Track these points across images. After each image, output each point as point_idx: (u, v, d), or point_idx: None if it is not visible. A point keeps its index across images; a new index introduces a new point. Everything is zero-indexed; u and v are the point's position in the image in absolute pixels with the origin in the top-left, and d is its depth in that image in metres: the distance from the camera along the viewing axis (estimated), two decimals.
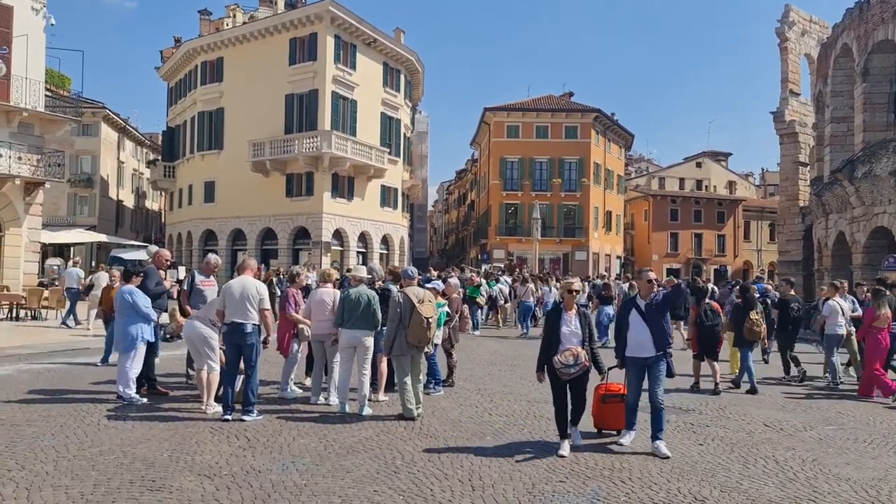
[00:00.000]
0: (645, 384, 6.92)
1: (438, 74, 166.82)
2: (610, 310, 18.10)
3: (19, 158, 23.45)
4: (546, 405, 9.05)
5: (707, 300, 11.35)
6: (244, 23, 40.92)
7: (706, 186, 70.86)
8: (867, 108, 24.86)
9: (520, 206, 51.98)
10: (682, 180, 70.75)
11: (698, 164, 72.68)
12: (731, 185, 73.34)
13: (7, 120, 23.16)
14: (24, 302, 19.44)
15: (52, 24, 24.56)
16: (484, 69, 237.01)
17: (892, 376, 11.09)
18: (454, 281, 11.97)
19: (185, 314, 8.91)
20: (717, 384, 10.61)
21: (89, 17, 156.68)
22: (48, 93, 26.18)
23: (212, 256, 9.24)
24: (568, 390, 6.81)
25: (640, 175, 75.63)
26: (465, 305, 13.18)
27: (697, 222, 63.66)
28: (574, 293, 6.98)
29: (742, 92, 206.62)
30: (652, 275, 7.19)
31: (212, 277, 9.08)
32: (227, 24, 42.69)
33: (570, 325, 6.77)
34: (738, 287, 13.34)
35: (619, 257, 59.27)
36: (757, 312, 11.18)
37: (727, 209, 64.54)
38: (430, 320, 8.03)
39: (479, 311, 20.57)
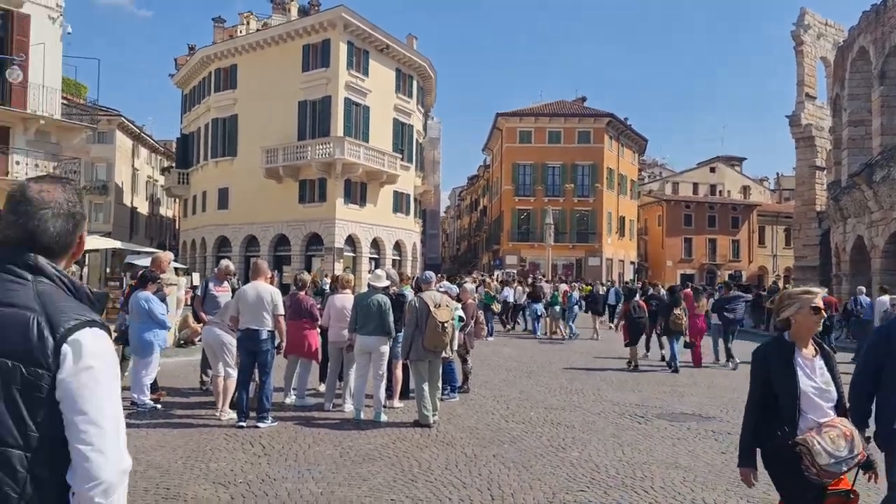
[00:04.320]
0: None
1: (451, 80, 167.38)
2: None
3: (36, 166, 23.62)
4: (564, 412, 8.94)
5: (635, 299, 14.42)
6: (258, 30, 41.12)
7: (720, 191, 70.38)
8: (885, 111, 24.59)
9: (532, 211, 51.81)
10: (695, 185, 70.32)
11: (712, 169, 72.22)
12: (745, 189, 72.81)
13: (24, 128, 23.33)
14: None
15: (69, 33, 24.80)
16: (496, 75, 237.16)
17: None
18: (469, 286, 11.86)
19: (198, 320, 8.85)
20: (635, 364, 13.65)
21: (105, 26, 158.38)
22: (64, 101, 26.40)
23: (224, 262, 9.19)
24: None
25: (653, 180, 75.26)
26: (481, 311, 13.08)
27: (712, 227, 63.22)
28: (820, 314, 3.45)
29: (757, 96, 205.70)
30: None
31: (225, 283, 9.03)
32: (241, 32, 42.91)
33: (815, 377, 3.42)
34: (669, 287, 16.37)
35: (632, 263, 58.95)
36: (680, 309, 13.66)
37: (742, 214, 64.07)
38: (447, 325, 7.93)
39: (494, 317, 20.47)
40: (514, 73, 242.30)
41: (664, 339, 14.34)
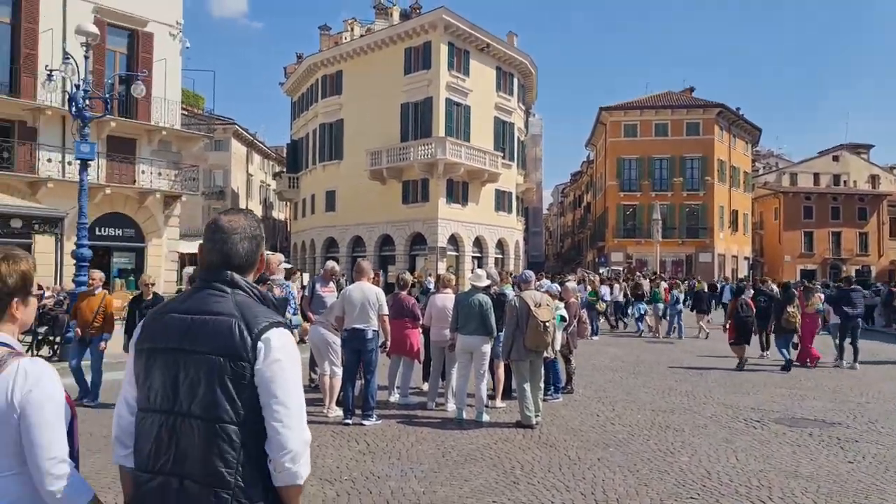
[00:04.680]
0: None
1: (552, 76, 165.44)
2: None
3: (159, 174, 25.24)
4: (673, 414, 8.61)
5: (742, 296, 13.89)
6: (361, 36, 42.15)
7: (845, 181, 65.88)
8: None
9: (639, 206, 50.43)
10: (816, 175, 66.16)
11: (835, 158, 67.71)
12: (873, 178, 67.83)
13: (148, 139, 24.97)
14: None
15: (187, 48, 26.30)
16: (599, 69, 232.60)
17: None
18: (572, 285, 11.63)
19: (306, 319, 9.13)
20: (743, 363, 13.12)
21: (221, 39, 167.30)
22: (184, 112, 28.03)
23: (330, 263, 9.43)
24: None
25: (768, 171, 71.47)
26: (584, 310, 12.84)
27: (835, 220, 59.30)
28: None
29: (885, 77, 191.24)
30: None
31: (331, 284, 9.26)
32: (346, 38, 44.15)
33: None
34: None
35: (746, 258, 56.22)
36: (794, 306, 13.18)
37: (869, 205, 59.73)
38: (548, 324, 7.81)
39: (599, 316, 20.05)
40: (617, 66, 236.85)
41: (773, 337, 13.85)
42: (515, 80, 42.11)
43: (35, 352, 12.39)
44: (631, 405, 9.32)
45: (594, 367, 12.91)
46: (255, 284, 2.09)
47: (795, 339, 13.57)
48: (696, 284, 27.90)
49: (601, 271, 34.87)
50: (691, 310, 20.72)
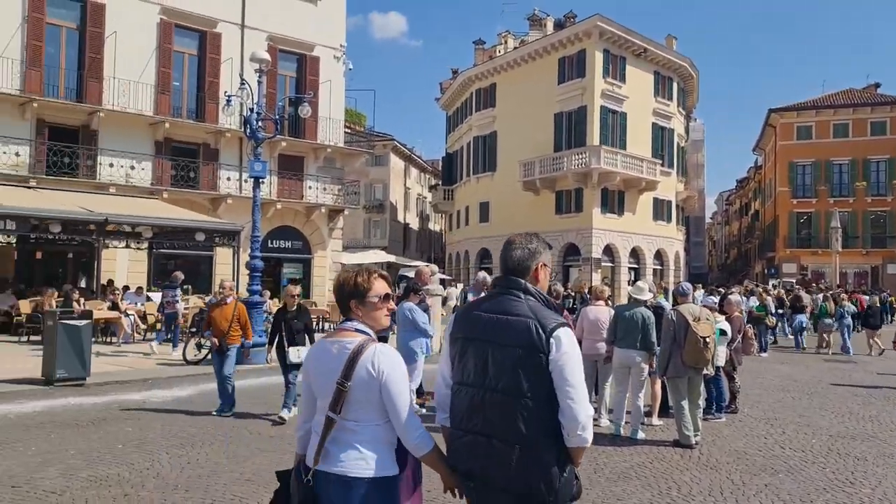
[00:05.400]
0: None
1: (716, 79, 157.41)
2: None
3: (324, 189, 26.82)
4: (854, 441, 7.83)
5: None
6: (515, 48, 42.44)
7: None
8: None
9: (814, 214, 46.68)
10: None
11: None
12: None
13: (315, 156, 26.63)
14: (327, 315, 21.97)
15: (350, 69, 27.82)
16: (765, 69, 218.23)
17: None
18: (735, 297, 10.94)
19: None
20: None
21: (381, 58, 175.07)
22: (346, 129, 29.62)
23: (481, 275, 9.54)
24: None
25: None
26: (750, 326, 12.03)
27: None
28: None
29: None
30: None
31: (483, 294, 9.34)
32: (500, 51, 44.63)
33: None
34: None
35: None
36: None
37: None
38: (708, 340, 7.38)
39: (769, 331, 18.71)
40: (787, 65, 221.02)
41: None
42: (675, 85, 40.52)
43: None
44: (804, 428, 8.57)
45: (762, 386, 12.03)
46: (542, 292, 2.68)
47: None
48: (889, 298, 25.34)
49: (771, 283, 32.56)
50: (862, 325, 18.88)
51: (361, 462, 2.52)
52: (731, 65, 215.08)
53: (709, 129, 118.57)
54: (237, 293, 17.07)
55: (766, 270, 50.76)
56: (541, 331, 2.48)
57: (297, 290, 9.03)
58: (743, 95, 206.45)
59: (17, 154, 20.33)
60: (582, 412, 2.45)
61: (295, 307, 8.60)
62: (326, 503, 2.54)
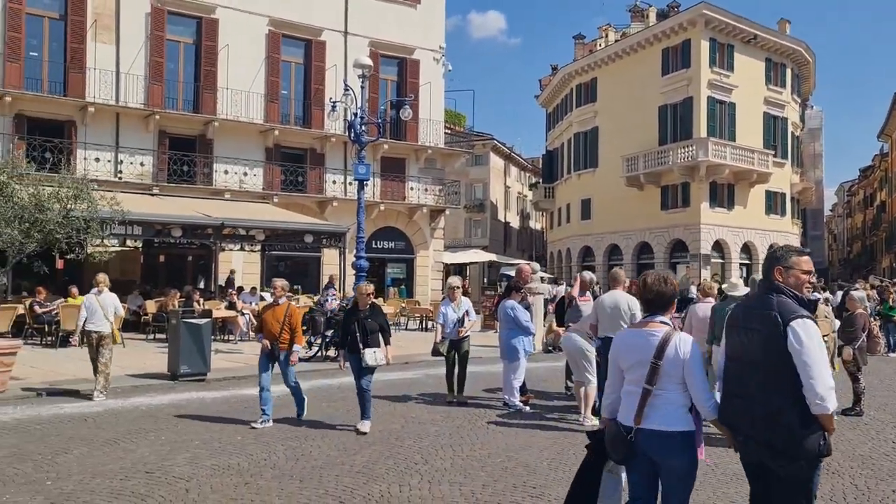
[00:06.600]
0: None
1: (834, 63, 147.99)
2: None
3: (425, 190, 27.26)
4: None
5: None
6: (616, 41, 41.54)
7: None
8: None
9: None
10: None
11: None
12: None
13: (416, 157, 27.12)
14: (430, 314, 22.29)
15: (450, 70, 28.10)
16: (891, 49, 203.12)
17: None
18: (859, 294, 10.29)
19: (561, 325, 9.21)
20: None
21: (480, 57, 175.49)
22: (447, 130, 29.98)
23: (585, 274, 9.45)
24: None
25: None
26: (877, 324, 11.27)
27: None
28: None
29: None
30: None
31: (587, 293, 9.24)
32: (600, 45, 43.80)
33: None
34: None
35: None
36: None
37: None
38: (826, 339, 6.98)
39: None
40: None
41: None
42: (788, 71, 38.41)
43: (324, 352, 14.00)
44: None
45: (889, 388, 11.26)
46: (795, 291, 3.32)
47: None
48: None
49: None
50: None
51: (673, 420, 3.40)
52: (853, 47, 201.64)
53: (828, 117, 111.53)
54: (342, 294, 17.63)
55: (893, 265, 47.30)
56: (780, 320, 3.18)
57: (370, 288, 8.42)
58: (866, 79, 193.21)
59: (141, 164, 21.85)
60: (820, 385, 3.05)
61: (368, 306, 8.05)
62: (642, 454, 3.45)
